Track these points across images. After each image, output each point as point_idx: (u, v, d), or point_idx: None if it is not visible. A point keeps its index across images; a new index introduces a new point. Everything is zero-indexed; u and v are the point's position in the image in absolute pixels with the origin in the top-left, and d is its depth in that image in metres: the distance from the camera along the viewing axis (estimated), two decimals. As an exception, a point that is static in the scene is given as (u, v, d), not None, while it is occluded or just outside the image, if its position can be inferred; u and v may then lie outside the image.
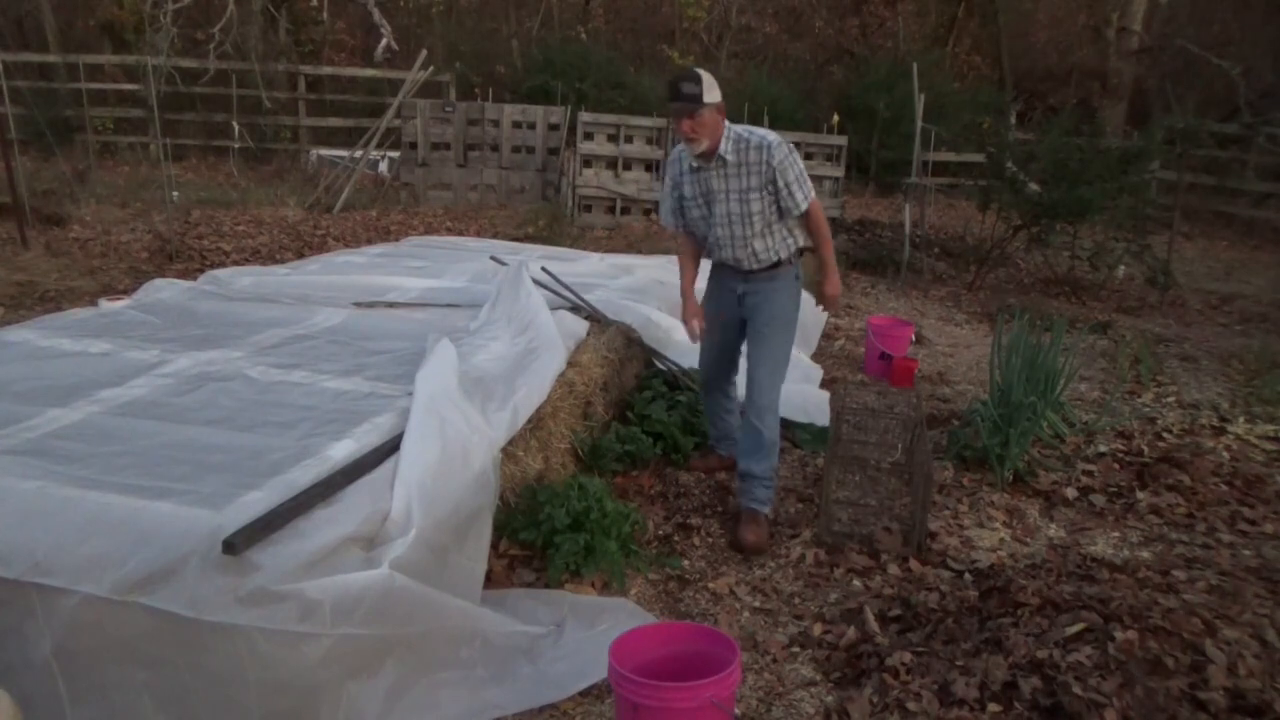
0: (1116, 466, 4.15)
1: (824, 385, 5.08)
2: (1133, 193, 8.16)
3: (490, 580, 2.93)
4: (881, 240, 9.90)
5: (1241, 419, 4.92)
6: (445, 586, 2.38)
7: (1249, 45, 14.42)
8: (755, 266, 3.41)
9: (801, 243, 3.49)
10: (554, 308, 4.29)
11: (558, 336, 3.82)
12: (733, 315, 3.53)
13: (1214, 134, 11.33)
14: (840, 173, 9.48)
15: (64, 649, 2.06)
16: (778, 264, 3.43)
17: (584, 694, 2.52)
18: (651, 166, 9.40)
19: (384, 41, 13.91)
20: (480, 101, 10.76)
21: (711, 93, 3.13)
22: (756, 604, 3.02)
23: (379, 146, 10.51)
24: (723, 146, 3.23)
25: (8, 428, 2.58)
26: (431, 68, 10.82)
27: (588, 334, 4.16)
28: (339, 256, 5.80)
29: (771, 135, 3.24)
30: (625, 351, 4.32)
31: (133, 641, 2.02)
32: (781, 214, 3.33)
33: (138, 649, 2.03)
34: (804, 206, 3.29)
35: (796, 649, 2.77)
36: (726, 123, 3.25)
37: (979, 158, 9.75)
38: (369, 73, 13.47)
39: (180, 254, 7.25)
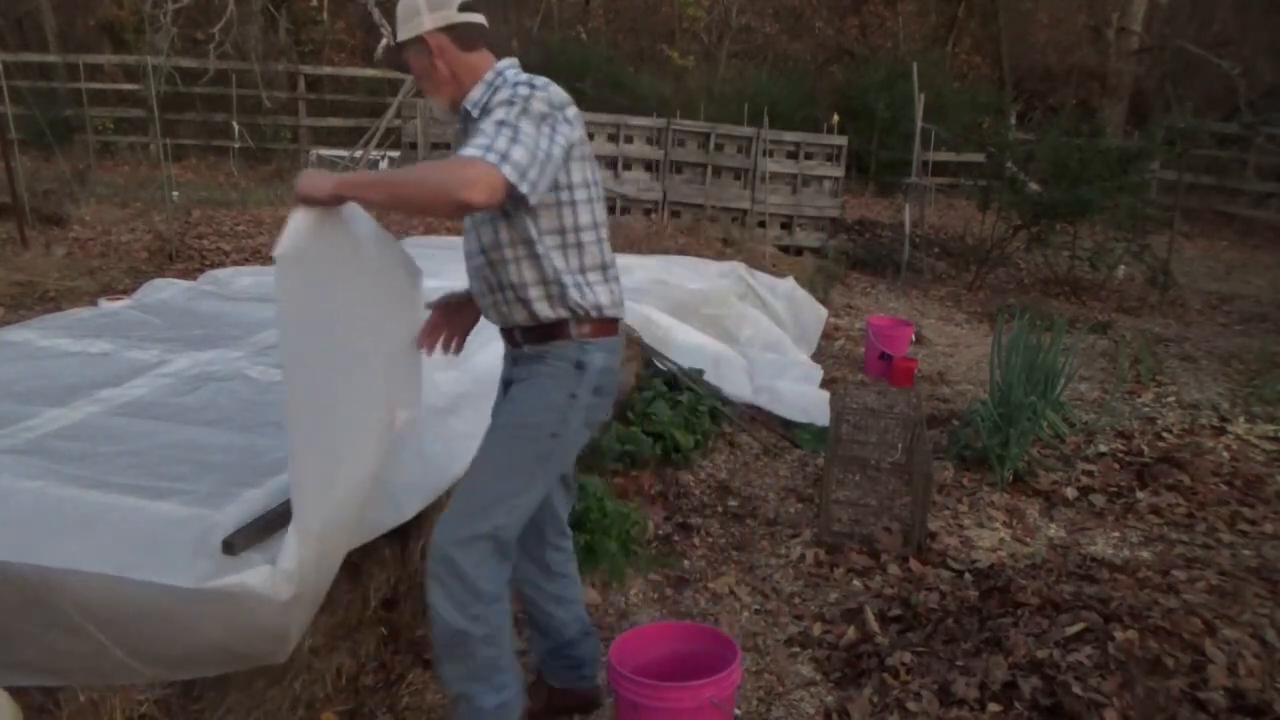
0: (1116, 466, 4.15)
1: (824, 385, 5.08)
2: (1133, 193, 8.17)
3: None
4: (881, 240, 9.91)
5: (1241, 419, 4.92)
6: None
7: (1249, 45, 14.41)
8: (520, 322, 2.05)
9: (604, 299, 2.04)
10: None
11: None
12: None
13: (1214, 134, 11.34)
14: (840, 173, 9.47)
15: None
16: (551, 329, 2.03)
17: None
18: (651, 166, 9.41)
19: (384, 41, 13.85)
20: (480, 101, 10.75)
21: (411, 20, 1.98)
22: (756, 604, 3.02)
23: (379, 146, 10.50)
24: (471, 97, 2.00)
25: (8, 428, 2.58)
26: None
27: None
28: (339, 256, 5.79)
29: (532, 78, 1.94)
30: (625, 351, 4.31)
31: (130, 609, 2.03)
32: (559, 228, 1.98)
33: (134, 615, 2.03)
34: (466, 153, 1.78)
35: (796, 649, 2.77)
36: (499, 66, 2.02)
37: (979, 158, 9.75)
38: (369, 73, 13.45)
39: (180, 254, 7.25)
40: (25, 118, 9.69)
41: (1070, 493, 3.88)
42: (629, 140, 9.36)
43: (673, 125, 9.35)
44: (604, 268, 2.07)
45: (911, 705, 2.35)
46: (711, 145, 9.33)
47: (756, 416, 4.52)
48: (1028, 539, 3.51)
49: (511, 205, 1.87)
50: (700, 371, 4.45)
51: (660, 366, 4.48)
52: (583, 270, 2.02)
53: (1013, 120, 11.94)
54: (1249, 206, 12.15)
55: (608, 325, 2.08)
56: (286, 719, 2.26)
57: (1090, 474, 4.07)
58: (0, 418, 2.64)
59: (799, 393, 4.68)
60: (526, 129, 1.83)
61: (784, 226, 9.47)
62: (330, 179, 1.85)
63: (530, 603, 2.35)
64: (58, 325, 3.69)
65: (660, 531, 3.45)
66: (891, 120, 12.82)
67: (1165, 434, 4.62)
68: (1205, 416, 4.96)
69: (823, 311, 6.40)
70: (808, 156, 9.43)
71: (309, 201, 1.83)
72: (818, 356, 5.76)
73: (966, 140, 10.79)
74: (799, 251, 9.30)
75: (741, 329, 5.35)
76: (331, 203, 1.86)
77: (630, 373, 4.38)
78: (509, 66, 2.03)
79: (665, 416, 4.00)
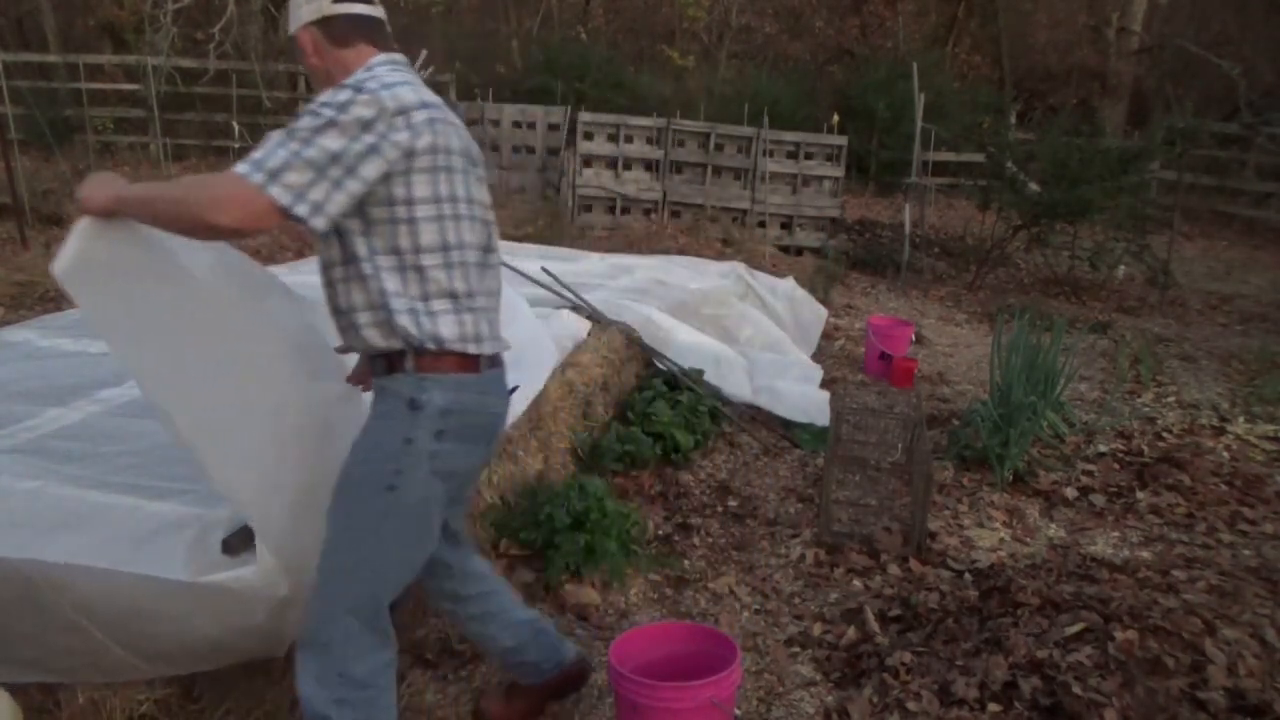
0: (1116, 466, 4.15)
1: (824, 385, 5.08)
2: (1133, 193, 8.17)
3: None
4: (881, 240, 9.91)
5: (1241, 419, 4.92)
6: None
7: (1249, 45, 14.41)
8: (360, 350, 1.91)
9: (447, 331, 1.78)
10: (555, 307, 4.29)
11: (546, 341, 3.76)
12: None
13: (1214, 134, 11.34)
14: (840, 173, 9.48)
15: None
16: (389, 360, 1.81)
17: (582, 694, 2.52)
18: (651, 166, 9.41)
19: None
20: (480, 101, 10.76)
21: (294, 14, 1.87)
22: (756, 604, 3.02)
23: (379, 146, 10.49)
24: None
25: (8, 428, 2.58)
26: (432, 68, 10.82)
27: (588, 334, 4.16)
28: (339, 256, 5.79)
29: (365, 81, 1.71)
30: (625, 351, 4.32)
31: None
32: (394, 247, 1.74)
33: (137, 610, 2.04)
34: (237, 168, 1.60)
35: (796, 649, 2.77)
36: (373, 61, 1.81)
37: (979, 158, 9.75)
38: (369, 73, 13.45)
39: (180, 254, 7.24)
40: (25, 118, 9.69)
41: (1070, 493, 3.88)
42: (629, 140, 9.36)
43: (673, 125, 9.35)
44: (454, 296, 1.79)
45: (911, 705, 2.35)
46: (711, 145, 9.33)
47: (756, 416, 4.52)
48: (1028, 539, 3.51)
49: (310, 228, 1.63)
50: (700, 371, 4.45)
51: (660, 366, 4.48)
52: (425, 297, 1.76)
53: (1013, 120, 11.94)
54: (1249, 206, 12.15)
55: (460, 360, 1.80)
56: (286, 719, 2.26)
57: (1090, 474, 4.07)
58: (0, 418, 2.64)
59: (799, 393, 4.68)
60: (324, 141, 1.60)
61: (784, 226, 9.47)
62: (108, 192, 1.68)
63: (459, 627, 2.28)
64: (58, 325, 3.69)
65: (660, 531, 3.45)
66: (891, 120, 12.82)
67: (1165, 434, 4.62)
68: (1205, 416, 4.96)
69: (823, 311, 6.41)
70: (808, 156, 9.43)
71: (87, 212, 1.69)
72: (818, 356, 5.76)
73: (966, 140, 10.78)
74: (799, 251, 9.30)
75: (741, 329, 5.35)
76: (106, 216, 1.70)
77: (630, 373, 4.38)
78: (384, 63, 1.80)
79: (665, 416, 4.00)
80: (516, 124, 10.42)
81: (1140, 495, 3.87)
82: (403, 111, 1.69)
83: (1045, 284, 8.72)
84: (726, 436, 4.33)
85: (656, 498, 3.70)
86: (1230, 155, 12.11)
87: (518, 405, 3.24)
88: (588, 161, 9.33)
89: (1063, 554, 3.30)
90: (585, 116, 9.41)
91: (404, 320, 1.75)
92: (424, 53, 10.74)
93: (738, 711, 2.44)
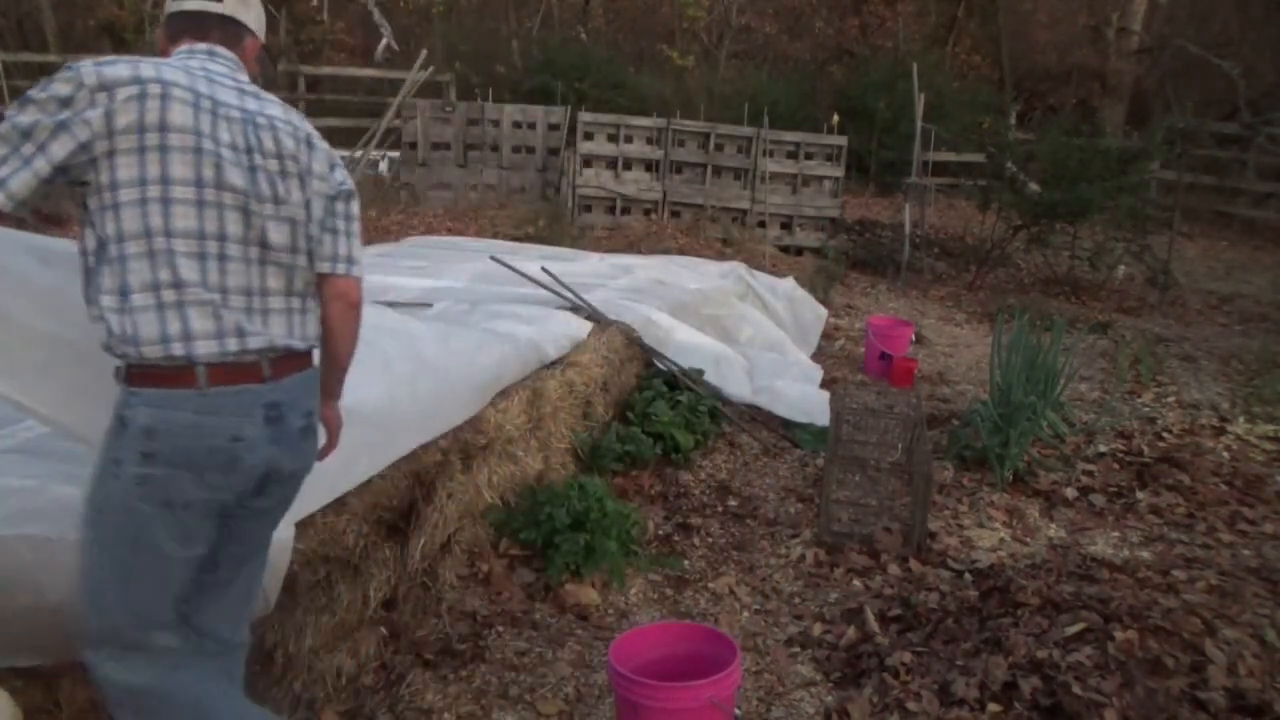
0: (1116, 466, 4.15)
1: (824, 385, 5.08)
2: (1133, 193, 8.17)
3: (490, 581, 2.94)
4: (881, 240, 9.91)
5: (1241, 419, 4.92)
6: None
7: (1249, 45, 14.42)
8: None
9: (146, 331, 1.59)
10: (554, 307, 4.29)
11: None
12: None
13: (1214, 134, 11.34)
14: (840, 173, 9.49)
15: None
16: (116, 371, 1.65)
17: (582, 694, 2.53)
18: (651, 166, 9.41)
19: (384, 41, 13.90)
20: (480, 101, 10.76)
21: None
22: (756, 604, 3.02)
23: (379, 147, 10.50)
24: None
25: (8, 428, 2.58)
26: (431, 68, 10.82)
27: (588, 334, 4.16)
28: (339, 256, 5.78)
29: (88, 63, 1.62)
30: (625, 351, 4.32)
31: None
32: (101, 237, 1.60)
33: None
34: None
35: (796, 649, 2.77)
36: (178, 50, 1.80)
37: (979, 158, 9.76)
38: (369, 73, 13.46)
39: (180, 254, 7.24)
40: (25, 118, 9.67)
41: (1070, 493, 3.89)
42: (629, 140, 9.36)
43: (673, 125, 9.35)
44: (157, 289, 1.58)
45: (911, 705, 2.36)
46: (711, 145, 9.34)
47: (756, 416, 4.52)
48: (1028, 539, 3.51)
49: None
50: (700, 371, 4.45)
51: (660, 366, 4.48)
52: (126, 291, 1.57)
53: (1013, 120, 11.94)
54: (1249, 206, 12.15)
55: (167, 374, 1.59)
56: (287, 718, 2.26)
57: (1090, 474, 4.07)
58: (0, 418, 2.64)
59: (799, 393, 4.68)
60: (19, 118, 1.53)
61: (784, 226, 9.48)
62: None
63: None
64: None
65: (660, 531, 3.45)
66: (891, 120, 12.83)
67: (1165, 434, 4.62)
68: (1205, 416, 4.96)
69: (823, 311, 6.41)
70: (808, 156, 9.43)
71: None
72: (818, 356, 5.76)
73: (966, 140, 10.79)
74: (799, 251, 9.30)
75: (741, 329, 5.36)
76: None
77: (630, 373, 4.38)
78: (181, 51, 1.77)
79: (665, 416, 4.00)
80: (516, 124, 10.42)
81: (1140, 495, 3.87)
82: (104, 88, 1.56)
83: (1045, 284, 8.73)
84: (726, 436, 4.34)
85: (656, 498, 3.70)
86: (1230, 155, 12.11)
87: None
88: (588, 161, 9.33)
89: (1063, 554, 3.30)
90: (585, 116, 9.41)
91: (111, 317, 1.58)
92: (424, 52, 10.75)
93: (738, 711, 2.44)
